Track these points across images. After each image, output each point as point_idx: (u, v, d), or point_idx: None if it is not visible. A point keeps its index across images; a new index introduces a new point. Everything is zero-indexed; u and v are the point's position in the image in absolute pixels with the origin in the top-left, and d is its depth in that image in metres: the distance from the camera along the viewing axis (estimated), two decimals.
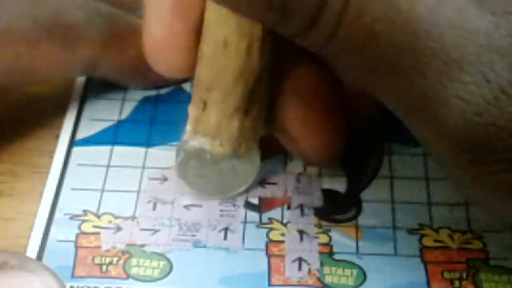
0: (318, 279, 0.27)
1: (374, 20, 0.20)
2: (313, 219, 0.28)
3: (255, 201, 0.29)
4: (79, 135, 0.31)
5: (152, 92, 0.32)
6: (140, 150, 0.30)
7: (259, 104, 0.26)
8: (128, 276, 0.27)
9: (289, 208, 0.29)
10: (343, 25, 0.21)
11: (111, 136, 0.31)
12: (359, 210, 0.28)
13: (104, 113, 0.32)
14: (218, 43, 0.24)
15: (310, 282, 0.26)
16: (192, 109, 0.26)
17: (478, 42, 0.20)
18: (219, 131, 0.26)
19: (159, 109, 0.32)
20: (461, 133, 0.20)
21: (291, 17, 0.22)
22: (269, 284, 0.26)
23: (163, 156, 0.30)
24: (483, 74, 0.20)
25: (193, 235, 0.28)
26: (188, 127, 0.27)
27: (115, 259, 0.27)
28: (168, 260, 0.27)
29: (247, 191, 0.29)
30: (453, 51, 0.20)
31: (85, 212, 0.28)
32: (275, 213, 0.28)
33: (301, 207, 0.29)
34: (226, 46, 0.24)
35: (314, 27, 0.21)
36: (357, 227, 0.28)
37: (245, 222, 0.28)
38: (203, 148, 0.27)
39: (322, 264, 0.27)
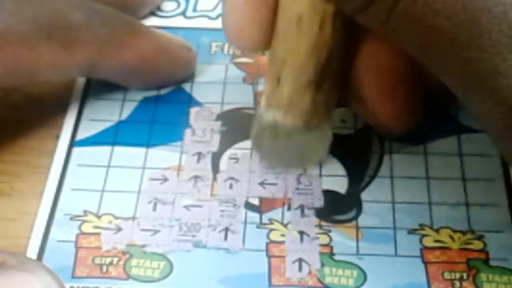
0: (319, 279, 0.27)
1: None
2: (314, 220, 0.28)
3: (255, 201, 0.29)
4: (80, 136, 0.31)
5: (152, 93, 0.32)
6: (140, 150, 0.30)
7: (331, 79, 0.27)
8: (129, 277, 0.27)
9: (289, 208, 0.29)
10: (402, 1, 0.21)
11: (112, 137, 0.31)
12: (359, 211, 0.28)
13: (104, 114, 0.32)
14: (292, 19, 0.26)
15: (310, 282, 0.26)
16: (267, 84, 0.27)
17: None
18: (292, 105, 0.27)
19: (159, 109, 0.32)
20: None
21: None
22: (270, 285, 0.26)
23: (164, 156, 0.30)
24: None
25: (194, 236, 0.28)
26: (263, 101, 0.28)
27: (115, 259, 0.27)
28: (169, 260, 0.27)
29: (318, 164, 0.29)
30: None
31: (85, 212, 0.28)
32: (276, 213, 0.28)
33: (301, 207, 0.29)
34: (300, 22, 0.25)
35: (373, 3, 0.22)
36: (357, 228, 0.28)
37: (245, 222, 0.28)
38: (277, 121, 0.27)
39: (322, 265, 0.27)
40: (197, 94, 0.32)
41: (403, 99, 0.28)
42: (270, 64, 0.27)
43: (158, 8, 0.36)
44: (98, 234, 0.28)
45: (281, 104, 0.27)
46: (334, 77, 0.27)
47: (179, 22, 0.35)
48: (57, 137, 0.31)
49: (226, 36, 0.27)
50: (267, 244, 0.27)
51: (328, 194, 0.29)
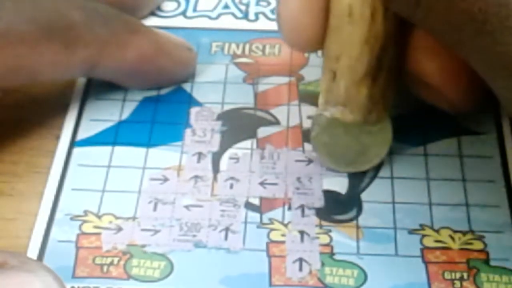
0: (319, 279, 0.27)
1: None
2: (314, 220, 0.28)
3: (255, 201, 0.29)
4: (80, 136, 0.31)
5: (153, 93, 0.32)
6: (141, 150, 0.30)
7: (386, 71, 0.27)
8: (129, 277, 0.27)
9: (289, 208, 0.29)
10: None
11: (112, 137, 0.31)
12: (359, 211, 0.28)
13: (104, 114, 0.32)
14: (343, 12, 0.26)
15: (311, 282, 0.26)
16: (323, 81, 0.28)
17: None
18: (349, 99, 0.27)
19: (159, 109, 0.32)
20: None
21: None
22: (270, 285, 0.26)
23: (164, 156, 0.30)
24: None
25: (194, 236, 0.28)
26: (320, 100, 0.28)
27: (115, 259, 0.27)
28: (169, 260, 0.27)
29: (380, 162, 0.29)
30: None
31: (86, 212, 0.28)
32: (276, 213, 0.28)
33: (301, 207, 0.29)
34: (351, 14, 0.26)
35: None
36: (357, 228, 0.28)
37: (246, 222, 0.28)
38: (335, 118, 0.28)
39: (323, 265, 0.27)
40: (197, 94, 0.32)
41: (467, 74, 0.27)
42: (325, 61, 0.28)
43: (158, 8, 0.36)
44: (99, 234, 0.28)
45: (339, 100, 0.27)
46: (389, 69, 0.27)
47: (179, 22, 0.35)
48: (58, 137, 0.31)
49: (280, 31, 0.28)
50: (267, 244, 0.28)
51: (329, 194, 0.29)
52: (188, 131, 0.31)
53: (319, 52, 0.33)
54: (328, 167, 0.29)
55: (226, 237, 0.28)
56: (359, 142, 0.28)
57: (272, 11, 0.36)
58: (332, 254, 0.27)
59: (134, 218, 0.28)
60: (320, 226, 0.28)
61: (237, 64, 0.34)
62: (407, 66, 0.28)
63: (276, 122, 0.31)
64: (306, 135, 0.31)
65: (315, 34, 0.27)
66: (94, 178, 0.29)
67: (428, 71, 0.28)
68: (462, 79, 0.27)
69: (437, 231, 0.28)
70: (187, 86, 0.33)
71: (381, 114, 0.28)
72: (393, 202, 0.29)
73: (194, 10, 0.36)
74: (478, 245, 0.27)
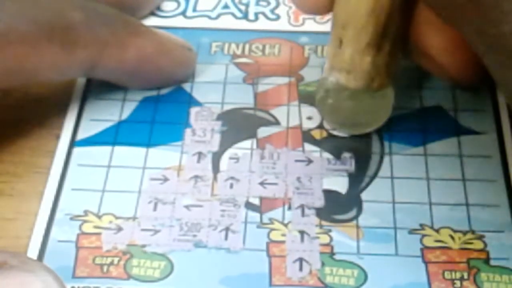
0: (319, 279, 0.27)
1: None
2: (314, 220, 0.28)
3: (255, 201, 0.29)
4: (80, 135, 0.31)
5: (153, 93, 0.32)
6: (141, 150, 0.30)
7: (391, 41, 0.28)
8: (129, 277, 0.27)
9: (290, 208, 0.29)
10: None
11: (112, 137, 0.31)
12: (359, 211, 0.28)
13: (104, 113, 0.32)
14: None
15: (311, 282, 0.26)
16: (330, 48, 0.29)
17: None
18: (353, 66, 0.28)
19: (159, 109, 0.32)
20: None
21: None
22: (270, 284, 0.26)
23: (164, 156, 0.30)
24: None
25: (194, 236, 0.28)
26: (326, 65, 0.29)
27: (116, 259, 0.27)
28: (169, 260, 0.27)
29: (380, 126, 0.30)
30: None
31: (86, 212, 0.28)
32: (276, 213, 0.28)
33: (302, 207, 0.29)
34: None
35: None
36: (357, 227, 0.28)
37: (246, 222, 0.28)
38: (339, 83, 0.29)
39: (323, 264, 0.27)
40: (197, 94, 0.32)
41: (469, 49, 0.28)
42: (332, 28, 0.28)
43: (158, 8, 0.36)
44: (99, 234, 0.28)
45: (344, 66, 0.28)
46: (394, 39, 0.28)
47: (179, 22, 0.35)
48: (58, 137, 0.31)
49: None
50: (267, 243, 0.28)
51: (329, 194, 0.29)
52: (188, 131, 0.31)
53: (319, 53, 0.33)
54: (332, 128, 0.31)
55: (226, 237, 0.28)
56: (362, 106, 0.29)
57: (272, 11, 0.36)
58: (332, 254, 0.27)
59: (134, 218, 0.28)
60: (320, 226, 0.28)
61: (237, 64, 0.34)
62: (411, 38, 0.28)
63: (276, 122, 0.31)
64: (306, 135, 0.31)
65: (324, 3, 0.28)
66: (94, 178, 0.29)
67: (431, 44, 0.28)
68: (464, 53, 0.28)
69: (437, 231, 0.28)
70: (187, 86, 0.33)
71: (384, 81, 0.29)
72: (393, 202, 0.29)
73: (194, 10, 0.36)
74: (478, 244, 0.27)
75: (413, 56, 0.29)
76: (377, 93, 0.29)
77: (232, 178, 0.29)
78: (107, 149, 0.30)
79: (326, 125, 0.31)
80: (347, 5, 0.28)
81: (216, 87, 0.33)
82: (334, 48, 0.29)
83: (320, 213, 0.28)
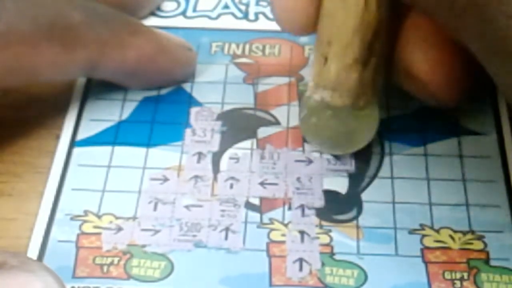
0: (319, 279, 0.27)
1: None
2: (314, 220, 0.28)
3: (255, 201, 0.29)
4: (80, 136, 0.31)
5: (153, 93, 0.32)
6: (141, 150, 0.30)
7: (377, 57, 0.28)
8: (129, 277, 0.27)
9: (290, 208, 0.29)
10: None
11: (112, 137, 0.31)
12: (360, 211, 0.28)
13: (104, 114, 0.32)
14: None
15: (311, 282, 0.26)
16: (314, 66, 0.28)
17: None
18: (339, 83, 0.28)
19: (159, 109, 0.32)
20: None
21: None
22: (270, 285, 0.26)
23: (164, 156, 0.30)
24: None
25: (194, 236, 0.28)
26: (310, 83, 0.28)
27: (116, 259, 0.27)
28: (169, 260, 0.27)
29: (365, 146, 0.30)
30: None
31: (86, 212, 0.28)
32: (276, 213, 0.28)
33: (302, 207, 0.29)
34: (345, 0, 0.27)
35: None
36: (358, 228, 0.28)
37: (246, 222, 0.28)
38: (324, 101, 0.28)
39: (323, 265, 0.27)
40: (197, 94, 0.32)
41: (453, 66, 0.28)
42: (316, 45, 0.28)
43: (158, 8, 0.36)
44: (99, 234, 0.28)
45: (329, 84, 0.28)
46: (380, 56, 0.28)
47: (179, 22, 0.35)
48: (58, 137, 0.31)
49: (272, 11, 0.28)
50: (267, 244, 0.28)
51: (329, 194, 0.29)
52: (188, 131, 0.31)
53: None
54: (315, 149, 0.30)
55: (226, 237, 0.28)
56: (346, 126, 0.29)
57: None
58: (332, 254, 0.27)
59: (134, 218, 0.28)
60: (320, 226, 0.28)
61: (237, 64, 0.34)
62: (395, 56, 0.28)
63: (276, 122, 0.31)
64: None
65: (308, 17, 0.28)
66: (94, 178, 0.29)
67: (416, 62, 0.28)
68: (448, 72, 0.28)
69: (437, 231, 0.28)
70: (187, 86, 0.33)
71: (370, 99, 0.28)
72: (393, 202, 0.29)
73: (194, 10, 0.36)
74: (478, 245, 0.27)
75: (397, 77, 0.29)
76: (362, 113, 0.28)
77: (232, 178, 0.29)
78: (107, 149, 0.30)
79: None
80: (332, 22, 0.27)
81: (216, 87, 0.33)
82: (318, 66, 0.28)
83: (320, 213, 0.28)
